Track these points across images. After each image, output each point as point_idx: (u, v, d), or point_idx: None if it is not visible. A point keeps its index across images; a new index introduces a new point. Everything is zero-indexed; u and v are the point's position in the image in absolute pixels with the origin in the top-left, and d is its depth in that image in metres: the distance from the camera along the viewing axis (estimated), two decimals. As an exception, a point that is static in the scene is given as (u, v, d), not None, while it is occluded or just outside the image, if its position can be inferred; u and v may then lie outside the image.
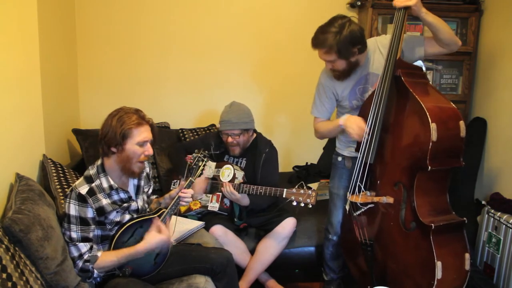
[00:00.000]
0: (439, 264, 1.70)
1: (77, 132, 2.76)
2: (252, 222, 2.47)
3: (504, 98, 2.60)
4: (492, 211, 2.41)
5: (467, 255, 1.79)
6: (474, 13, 2.84)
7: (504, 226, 2.29)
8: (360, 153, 1.91)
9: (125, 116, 1.71)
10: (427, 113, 1.69)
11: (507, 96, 2.57)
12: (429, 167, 1.70)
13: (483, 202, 2.55)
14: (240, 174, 2.40)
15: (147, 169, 1.98)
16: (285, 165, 3.25)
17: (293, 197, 2.13)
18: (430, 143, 1.68)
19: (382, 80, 1.84)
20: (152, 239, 1.73)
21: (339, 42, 1.85)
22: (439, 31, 1.84)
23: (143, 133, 1.73)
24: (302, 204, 2.12)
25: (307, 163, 3.39)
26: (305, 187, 2.13)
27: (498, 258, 2.33)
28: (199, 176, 1.97)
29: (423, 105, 1.71)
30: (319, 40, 1.90)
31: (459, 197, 2.66)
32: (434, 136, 1.68)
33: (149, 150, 1.76)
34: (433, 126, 1.68)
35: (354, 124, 1.91)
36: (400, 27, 1.82)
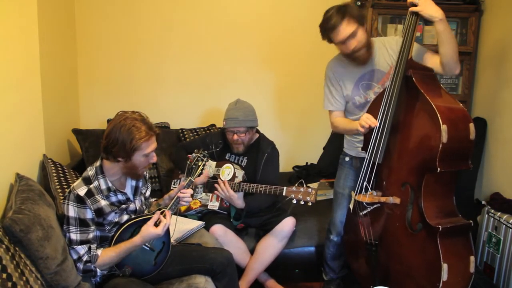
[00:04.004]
0: (445, 266, 1.69)
1: (77, 132, 2.77)
2: (252, 222, 2.47)
3: (504, 98, 2.60)
4: (492, 211, 2.41)
5: (472, 258, 1.79)
6: (474, 13, 2.84)
7: (504, 226, 2.29)
8: (368, 153, 1.90)
9: (134, 128, 1.66)
10: (438, 115, 1.68)
11: (507, 96, 2.57)
12: (438, 169, 1.69)
13: (483, 202, 2.55)
14: (240, 173, 2.40)
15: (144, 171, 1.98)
16: (285, 165, 3.25)
17: (293, 195, 2.14)
18: (440, 145, 1.67)
19: (393, 79, 1.83)
20: (147, 233, 1.72)
21: (354, 8, 1.91)
22: (444, 43, 1.81)
23: (151, 145, 1.73)
24: (302, 202, 2.12)
25: (307, 163, 3.39)
26: (305, 186, 2.14)
27: (498, 258, 2.33)
28: (199, 176, 1.97)
29: (434, 106, 1.70)
30: (338, 16, 1.89)
31: (459, 197, 2.67)
32: (444, 137, 1.67)
33: (153, 158, 1.78)
34: (443, 127, 1.67)
35: (366, 118, 1.88)
36: (413, 28, 1.82)
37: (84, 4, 3.01)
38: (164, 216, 1.78)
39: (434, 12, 1.77)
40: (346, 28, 1.90)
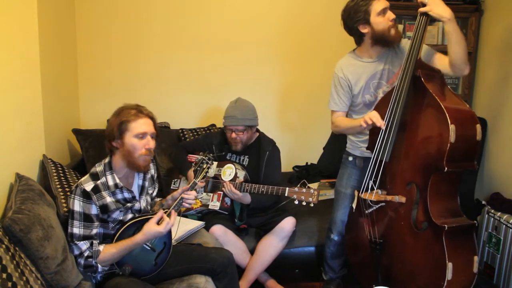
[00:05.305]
0: (450, 265, 1.70)
1: (77, 132, 2.76)
2: (252, 222, 2.47)
3: (504, 98, 2.60)
4: (492, 211, 2.41)
5: (475, 258, 1.80)
6: (474, 13, 2.84)
7: (504, 226, 2.29)
8: (375, 151, 1.91)
9: (124, 111, 1.76)
10: (447, 115, 1.70)
11: (507, 96, 2.57)
12: (445, 168, 1.70)
13: (483, 202, 2.55)
14: (241, 173, 2.40)
15: (152, 171, 1.98)
16: (285, 165, 3.24)
17: (295, 196, 2.14)
18: (448, 144, 1.69)
19: (402, 79, 1.85)
20: (149, 231, 1.73)
21: None
22: (453, 43, 1.81)
23: (141, 126, 1.74)
24: (304, 203, 2.13)
25: (307, 163, 3.39)
26: (307, 186, 2.14)
27: (498, 258, 2.33)
28: (203, 178, 1.97)
29: (442, 106, 1.71)
30: None
31: (459, 197, 2.68)
32: (452, 137, 1.69)
33: (149, 143, 1.77)
34: (452, 127, 1.68)
35: (373, 115, 1.88)
36: (422, 28, 1.83)
37: (84, 4, 3.01)
38: (168, 216, 1.78)
39: (442, 11, 1.79)
40: (386, 4, 1.95)
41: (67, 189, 2.01)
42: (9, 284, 1.30)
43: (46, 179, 2.06)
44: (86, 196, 1.69)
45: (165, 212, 1.82)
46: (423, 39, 1.86)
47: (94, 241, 1.72)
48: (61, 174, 2.12)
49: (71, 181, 2.12)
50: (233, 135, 2.42)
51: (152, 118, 1.81)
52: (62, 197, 1.95)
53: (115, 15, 3.07)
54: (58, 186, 2.01)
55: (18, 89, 1.97)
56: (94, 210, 1.71)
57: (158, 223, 1.76)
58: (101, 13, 3.05)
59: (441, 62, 1.94)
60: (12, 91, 1.90)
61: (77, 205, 1.69)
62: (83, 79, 3.10)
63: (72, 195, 1.71)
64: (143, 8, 3.09)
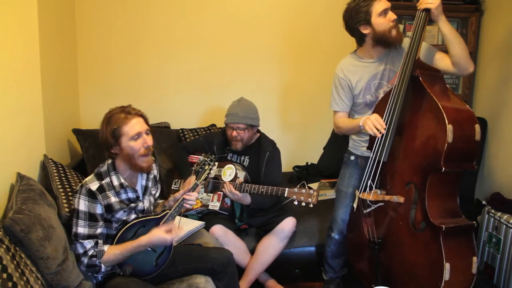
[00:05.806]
0: (447, 266, 1.70)
1: (77, 132, 2.76)
2: (252, 222, 2.47)
3: (504, 98, 2.60)
4: (492, 211, 2.41)
5: (474, 259, 1.80)
6: (474, 13, 2.85)
7: (504, 226, 2.29)
8: (374, 151, 1.92)
9: (111, 117, 1.74)
10: (444, 114, 1.69)
11: (507, 96, 2.58)
12: (443, 168, 1.70)
13: (483, 202, 2.55)
14: (241, 174, 2.40)
15: (155, 171, 1.98)
16: (285, 165, 3.24)
17: (294, 197, 2.15)
18: (446, 144, 1.69)
19: (400, 79, 1.85)
20: (155, 236, 1.74)
21: None
22: (452, 44, 1.83)
23: (133, 127, 1.74)
24: (304, 204, 2.13)
25: (307, 163, 3.39)
26: (306, 187, 2.15)
27: (498, 258, 2.33)
28: (205, 179, 1.98)
29: (440, 106, 1.71)
30: None
31: (459, 197, 2.67)
32: (450, 137, 1.69)
33: (146, 141, 1.77)
34: (449, 127, 1.68)
35: (370, 121, 1.90)
36: (421, 28, 1.84)
37: (84, 4, 3.01)
38: (167, 222, 1.80)
39: (430, 1, 1.81)
40: (387, 5, 1.95)
41: (68, 190, 2.02)
42: (10, 284, 1.30)
43: (47, 179, 2.06)
44: (92, 195, 1.70)
45: (166, 212, 1.83)
46: (422, 38, 1.86)
47: (99, 241, 1.72)
48: (62, 174, 2.12)
49: (72, 181, 2.12)
50: (234, 133, 2.42)
51: (141, 116, 1.80)
52: (63, 197, 1.95)
53: (115, 15, 3.07)
54: (59, 186, 2.01)
55: (18, 89, 1.97)
56: (99, 210, 1.72)
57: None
58: (101, 13, 3.05)
59: (443, 62, 1.94)
60: (12, 91, 1.90)
61: (82, 204, 1.70)
62: (83, 79, 3.10)
63: (77, 195, 1.72)
64: (143, 8, 3.09)
